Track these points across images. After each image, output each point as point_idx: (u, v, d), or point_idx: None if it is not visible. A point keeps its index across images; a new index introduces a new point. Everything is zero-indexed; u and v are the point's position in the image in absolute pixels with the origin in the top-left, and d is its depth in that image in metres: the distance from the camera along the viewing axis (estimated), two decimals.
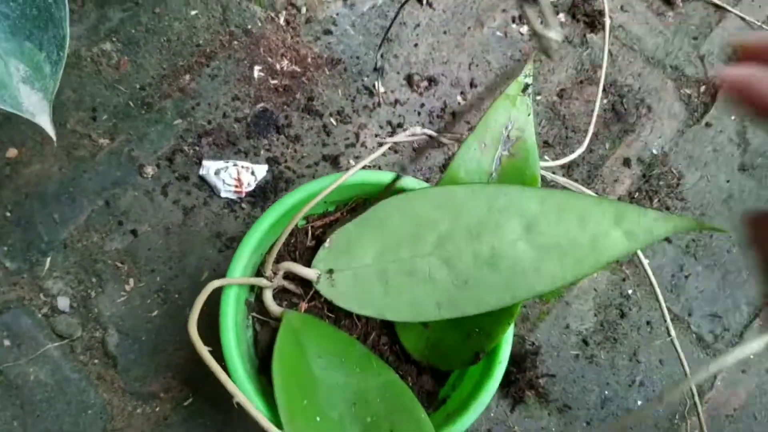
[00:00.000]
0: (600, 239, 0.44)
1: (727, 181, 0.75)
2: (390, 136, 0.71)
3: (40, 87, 0.44)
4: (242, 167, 0.66)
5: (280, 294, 0.51)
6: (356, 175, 0.50)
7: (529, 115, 0.48)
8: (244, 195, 0.66)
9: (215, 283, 0.43)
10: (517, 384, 0.64)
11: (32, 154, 0.64)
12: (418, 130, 0.51)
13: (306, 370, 0.46)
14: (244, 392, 0.45)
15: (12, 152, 0.64)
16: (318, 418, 0.44)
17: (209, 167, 0.65)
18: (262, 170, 0.67)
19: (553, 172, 0.69)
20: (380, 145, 0.49)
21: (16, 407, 0.58)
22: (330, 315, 0.51)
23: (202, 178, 0.66)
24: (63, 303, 0.61)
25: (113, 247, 0.63)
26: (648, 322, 0.69)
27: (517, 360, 0.64)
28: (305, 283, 0.50)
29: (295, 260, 0.51)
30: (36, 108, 0.44)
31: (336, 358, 0.48)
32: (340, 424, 0.45)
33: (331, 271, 0.49)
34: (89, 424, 0.58)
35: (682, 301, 0.71)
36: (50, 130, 0.45)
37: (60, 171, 0.64)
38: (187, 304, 0.62)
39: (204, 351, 0.35)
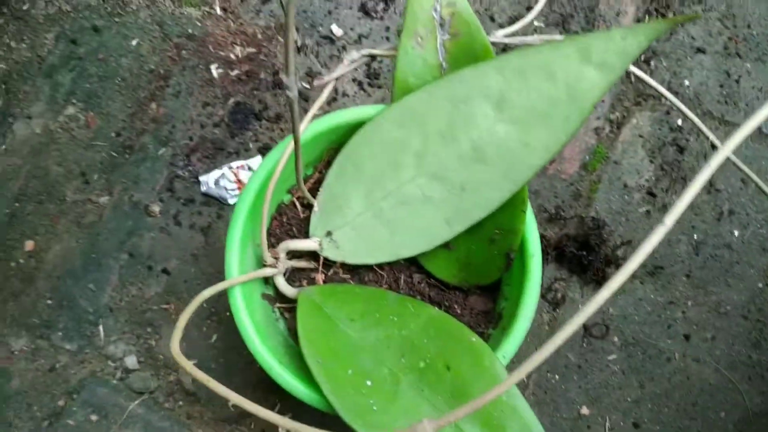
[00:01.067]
0: (575, 85, 0.39)
1: None
2: (368, 76, 0.66)
3: None
4: (237, 167, 0.64)
5: (297, 274, 0.49)
6: (314, 126, 0.46)
7: None
8: None
9: (204, 294, 0.41)
10: (593, 266, 0.58)
11: (48, 239, 0.65)
12: (355, 54, 0.46)
13: (341, 340, 0.43)
14: (289, 387, 0.43)
15: (29, 245, 0.65)
16: (369, 382, 0.42)
17: (207, 181, 0.64)
18: (257, 162, 0.64)
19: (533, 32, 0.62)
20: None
21: None
22: (352, 276, 0.48)
23: (206, 195, 0.64)
24: (131, 361, 0.62)
25: (153, 292, 0.63)
26: (713, 146, 0.62)
27: (583, 241, 0.59)
28: (316, 255, 0.47)
29: (293, 236, 0.48)
30: None
31: (370, 316, 0.45)
32: (393, 380, 0.42)
33: (329, 233, 0.46)
34: None
35: (743, 107, 0.62)
36: None
37: (78, 243, 0.64)
38: None
39: (189, 365, 0.33)
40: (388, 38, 0.66)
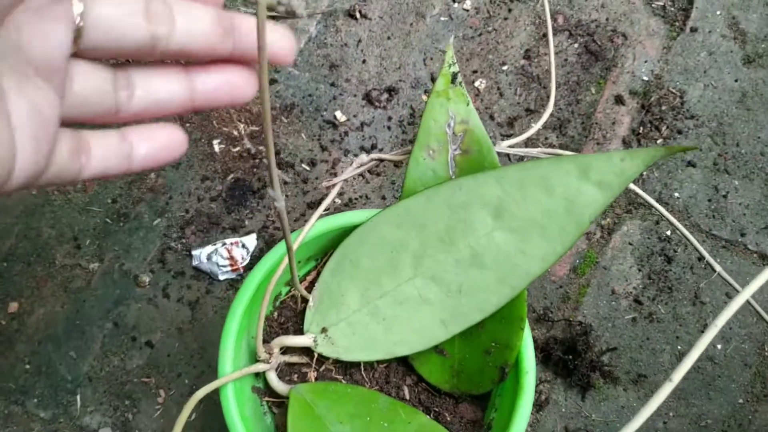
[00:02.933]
0: (574, 200, 0.40)
1: (736, 81, 0.68)
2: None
3: None
4: (231, 244, 0.64)
5: (289, 369, 0.49)
6: (321, 225, 0.47)
7: (468, 104, 0.44)
8: (242, 270, 0.64)
9: (199, 394, 0.40)
10: (578, 370, 0.59)
11: (32, 301, 0.64)
12: (365, 157, 0.47)
13: None
14: None
15: (13, 306, 0.64)
16: None
17: (199, 255, 0.64)
18: (252, 240, 0.64)
19: (537, 142, 0.64)
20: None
21: None
22: (345, 374, 0.48)
23: (197, 269, 0.64)
24: None
25: (134, 364, 0.62)
26: (700, 258, 0.63)
27: (569, 345, 0.60)
28: (308, 351, 0.47)
29: (288, 331, 0.48)
30: None
31: (360, 419, 0.44)
32: None
33: (324, 330, 0.46)
34: None
35: (729, 223, 0.64)
36: None
37: (63, 308, 0.64)
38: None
39: None
40: (389, 128, 0.68)
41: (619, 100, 0.67)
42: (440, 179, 0.45)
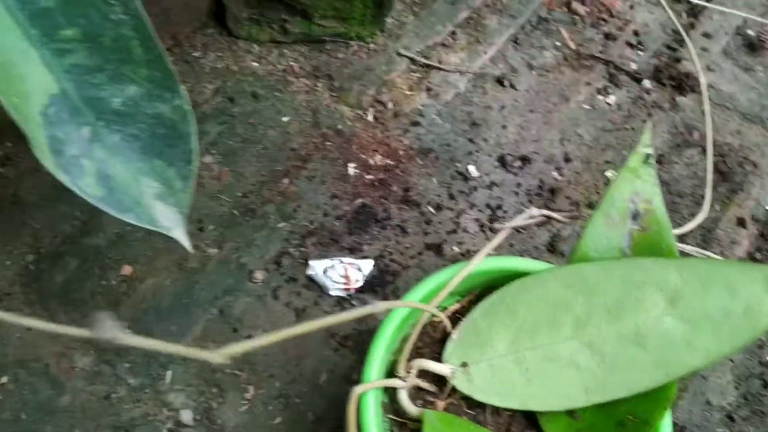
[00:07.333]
0: (755, 307, 0.42)
1: None
2: (490, 219, 0.70)
3: (173, 202, 0.45)
4: (348, 264, 0.66)
5: (413, 392, 0.49)
6: (486, 263, 0.49)
7: (655, 185, 0.47)
8: (353, 291, 0.65)
9: (358, 389, 0.41)
10: None
11: (146, 270, 0.65)
12: (535, 211, 0.49)
13: None
14: None
15: (127, 269, 0.65)
16: None
17: (316, 267, 0.65)
18: (368, 265, 0.66)
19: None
20: (493, 231, 0.48)
21: None
22: (468, 411, 0.49)
23: (310, 279, 0.66)
24: (186, 416, 0.61)
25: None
26: None
27: None
28: (438, 380, 0.48)
29: (423, 356, 0.50)
30: (171, 222, 0.45)
31: None
32: None
33: (465, 365, 0.47)
34: None
35: None
36: (186, 243, 0.45)
37: (173, 284, 0.65)
38: (308, 408, 0.61)
39: None
40: (516, 193, 0.71)
41: (741, 222, 0.70)
42: (613, 249, 0.47)
